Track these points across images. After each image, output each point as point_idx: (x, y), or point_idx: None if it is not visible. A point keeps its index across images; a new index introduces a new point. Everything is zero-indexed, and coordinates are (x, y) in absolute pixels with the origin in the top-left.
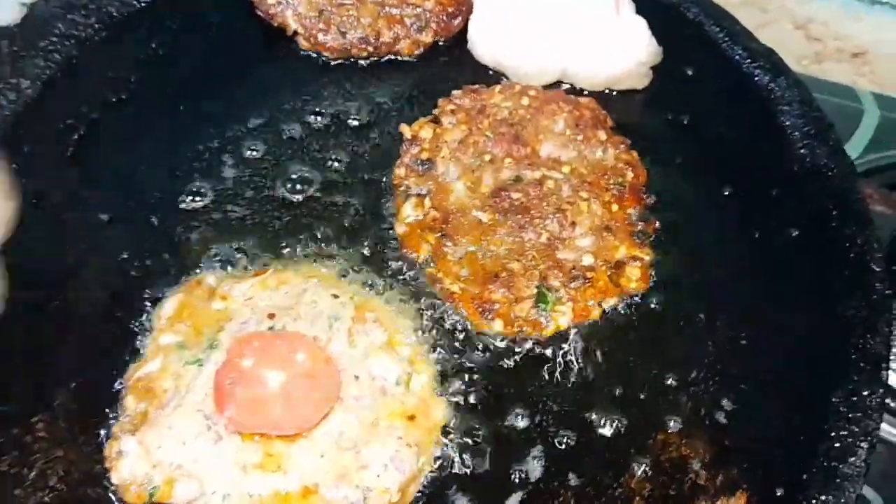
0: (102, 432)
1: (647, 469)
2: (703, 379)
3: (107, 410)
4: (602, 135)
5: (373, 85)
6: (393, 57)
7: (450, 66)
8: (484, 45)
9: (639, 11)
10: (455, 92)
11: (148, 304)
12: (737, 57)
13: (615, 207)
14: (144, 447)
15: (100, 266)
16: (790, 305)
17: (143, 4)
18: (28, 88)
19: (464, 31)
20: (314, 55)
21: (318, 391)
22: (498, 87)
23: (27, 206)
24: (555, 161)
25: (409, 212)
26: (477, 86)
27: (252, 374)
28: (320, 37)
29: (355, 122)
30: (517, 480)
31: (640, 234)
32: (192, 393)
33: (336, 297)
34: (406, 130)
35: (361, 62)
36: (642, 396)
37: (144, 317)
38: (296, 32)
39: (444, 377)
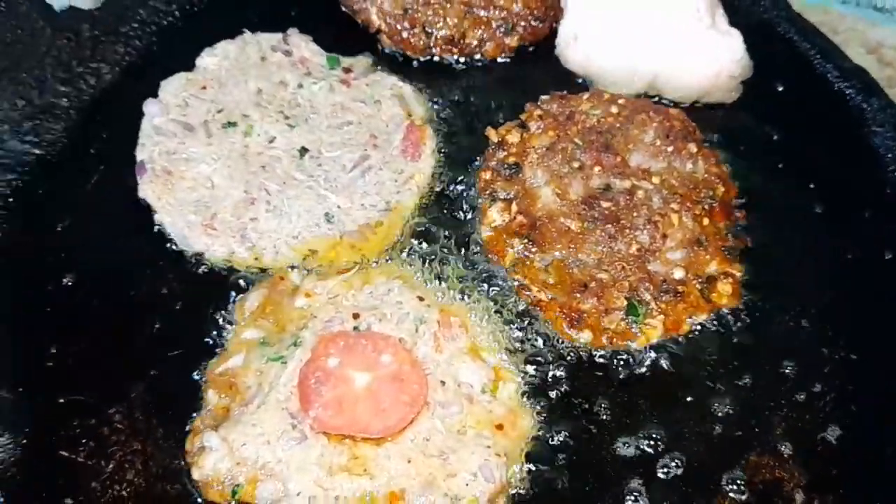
0: (182, 427)
1: (739, 488)
2: (792, 401)
3: (185, 404)
4: (692, 147)
5: (457, 87)
6: (478, 59)
7: (536, 70)
8: (573, 50)
9: (730, 24)
10: (543, 97)
11: (231, 295)
12: (829, 75)
13: (706, 221)
14: (228, 444)
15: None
16: (883, 329)
17: None
18: (107, 74)
19: (551, 35)
20: (397, 53)
21: (404, 394)
22: (586, 95)
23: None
24: (645, 171)
25: (496, 216)
26: (565, 92)
27: (338, 374)
28: (404, 35)
29: (439, 124)
30: (607, 491)
31: (732, 250)
32: (276, 391)
33: (422, 299)
34: (493, 134)
35: (445, 63)
36: (732, 414)
37: (227, 310)
38: (379, 30)
39: (531, 387)
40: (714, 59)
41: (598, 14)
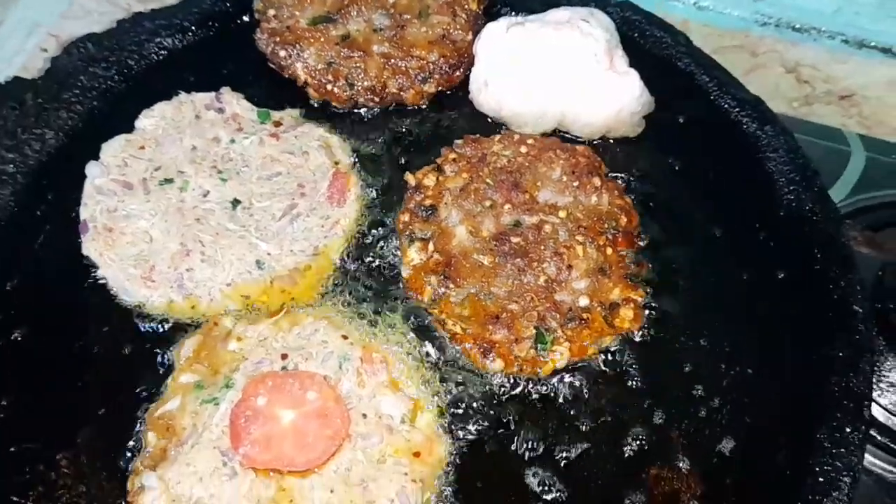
0: (123, 468)
1: (640, 501)
2: (691, 416)
3: (128, 446)
4: (597, 181)
5: (380, 133)
6: (398, 106)
7: (452, 115)
8: (484, 95)
9: (632, 62)
10: (457, 141)
11: (170, 342)
12: (725, 106)
13: (609, 251)
14: (164, 482)
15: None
16: (778, 345)
17: (160, 58)
18: (52, 139)
19: (466, 81)
20: (323, 105)
21: (328, 428)
22: (497, 137)
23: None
24: (552, 206)
25: (414, 255)
26: (478, 135)
27: (265, 412)
28: (329, 87)
29: (363, 170)
30: None
31: (634, 277)
32: (209, 430)
33: (345, 337)
34: (411, 178)
35: (367, 111)
36: (636, 432)
37: (166, 356)
38: (306, 83)
39: (447, 415)
40: (614, 99)
41: (505, 61)
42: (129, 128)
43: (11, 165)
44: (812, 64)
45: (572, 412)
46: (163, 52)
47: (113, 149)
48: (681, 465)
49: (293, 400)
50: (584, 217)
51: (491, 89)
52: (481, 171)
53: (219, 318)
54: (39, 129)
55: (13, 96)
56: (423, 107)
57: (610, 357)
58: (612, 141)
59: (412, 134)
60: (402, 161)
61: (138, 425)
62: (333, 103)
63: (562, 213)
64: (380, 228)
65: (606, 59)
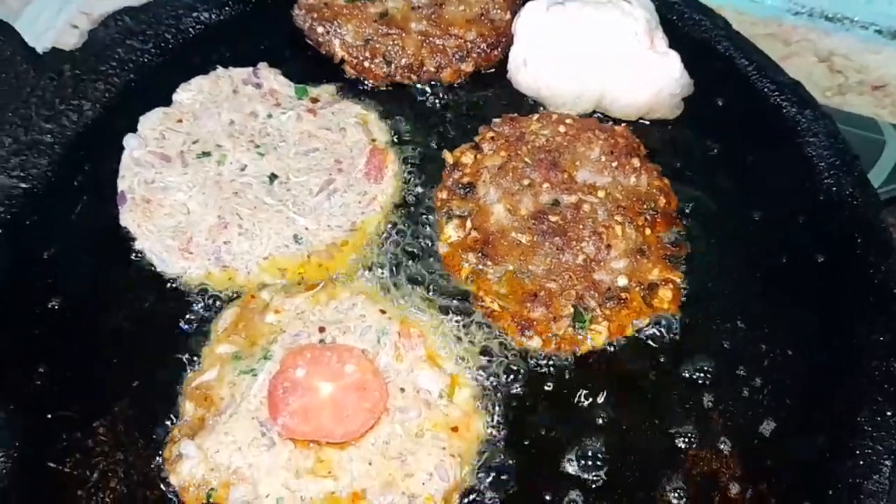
0: (160, 436)
1: (678, 481)
2: (734, 396)
3: (165, 416)
4: (636, 162)
5: (417, 111)
6: (436, 84)
7: (490, 93)
8: (523, 74)
9: (672, 45)
10: (495, 120)
11: (207, 313)
12: (765, 89)
13: (648, 231)
14: (203, 451)
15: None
16: (817, 328)
17: (197, 32)
18: (89, 110)
19: (504, 61)
20: (361, 81)
21: (366, 401)
22: (536, 116)
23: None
24: (590, 186)
25: (451, 232)
26: (516, 114)
27: (304, 384)
28: (366, 64)
29: (400, 147)
30: (552, 491)
31: (672, 258)
32: (247, 401)
33: (383, 312)
34: (448, 156)
35: (405, 89)
36: (675, 413)
37: (203, 327)
38: (343, 60)
39: (485, 391)
40: (654, 80)
41: (545, 40)
42: (166, 101)
43: (49, 136)
44: (845, 54)
45: (610, 392)
46: (199, 26)
47: (151, 121)
48: (721, 446)
49: (332, 372)
50: (622, 197)
51: (530, 68)
52: (519, 149)
53: (256, 290)
54: (77, 100)
55: (51, 67)
56: (461, 85)
57: (648, 337)
58: (649, 123)
59: (449, 112)
60: (440, 139)
61: (176, 395)
62: (370, 80)
63: (600, 193)
64: (417, 205)
65: (647, 40)
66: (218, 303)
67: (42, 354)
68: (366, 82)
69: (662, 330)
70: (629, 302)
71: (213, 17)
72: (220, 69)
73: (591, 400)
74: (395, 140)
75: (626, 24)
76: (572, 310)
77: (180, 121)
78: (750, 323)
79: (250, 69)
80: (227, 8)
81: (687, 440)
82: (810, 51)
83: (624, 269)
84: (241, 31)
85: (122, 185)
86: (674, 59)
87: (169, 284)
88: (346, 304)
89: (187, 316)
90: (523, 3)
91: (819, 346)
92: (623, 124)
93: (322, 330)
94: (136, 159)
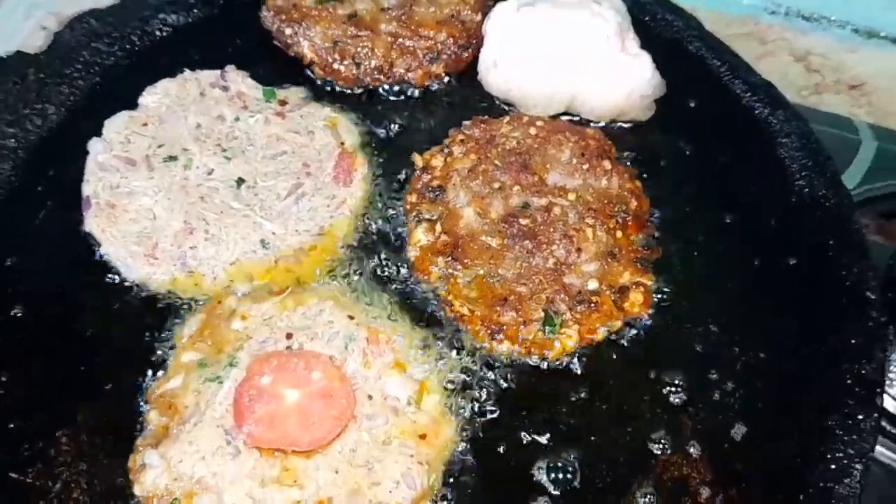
0: (124, 446)
1: (649, 486)
2: (705, 400)
3: (129, 425)
4: (607, 164)
5: (386, 114)
6: (406, 87)
7: (461, 95)
8: (493, 76)
9: (643, 46)
10: (465, 122)
11: (172, 320)
12: (737, 90)
13: (619, 234)
14: (166, 461)
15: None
16: (789, 331)
17: (164, 34)
18: (53, 114)
19: (474, 62)
20: (330, 84)
21: (333, 409)
22: (506, 118)
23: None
24: (561, 189)
25: (421, 236)
26: (486, 116)
27: (270, 391)
28: (335, 66)
29: (370, 151)
30: (523, 498)
31: (643, 261)
32: (212, 409)
33: (351, 318)
34: (418, 159)
35: (375, 91)
36: (645, 417)
37: (168, 334)
38: (312, 62)
39: (453, 397)
40: (625, 81)
41: (515, 42)
42: (132, 104)
43: (12, 140)
44: (822, 53)
45: (580, 396)
46: (167, 28)
47: (116, 125)
48: (691, 450)
49: (298, 379)
50: (593, 200)
51: (500, 70)
52: (490, 152)
53: (222, 296)
54: (41, 104)
55: (14, 71)
56: (431, 87)
57: (619, 341)
58: (621, 125)
59: (419, 114)
60: (410, 142)
61: (140, 404)
62: (339, 83)
63: (571, 196)
64: (386, 209)
65: (618, 41)
66: (183, 309)
67: (4, 362)
68: (335, 85)
69: (633, 334)
70: (600, 305)
71: (181, 19)
72: (187, 72)
73: (561, 405)
74: (364, 143)
75: (596, 25)
76: (542, 314)
77: (146, 124)
78: (722, 326)
79: (218, 72)
80: (194, 10)
81: (657, 445)
82: (786, 50)
83: (595, 273)
84: (208, 34)
85: (86, 189)
86: (645, 60)
87: (134, 291)
88: (313, 309)
89: (152, 323)
90: (494, 5)
91: (791, 349)
92: (594, 126)
93: (289, 336)
94: (100, 164)
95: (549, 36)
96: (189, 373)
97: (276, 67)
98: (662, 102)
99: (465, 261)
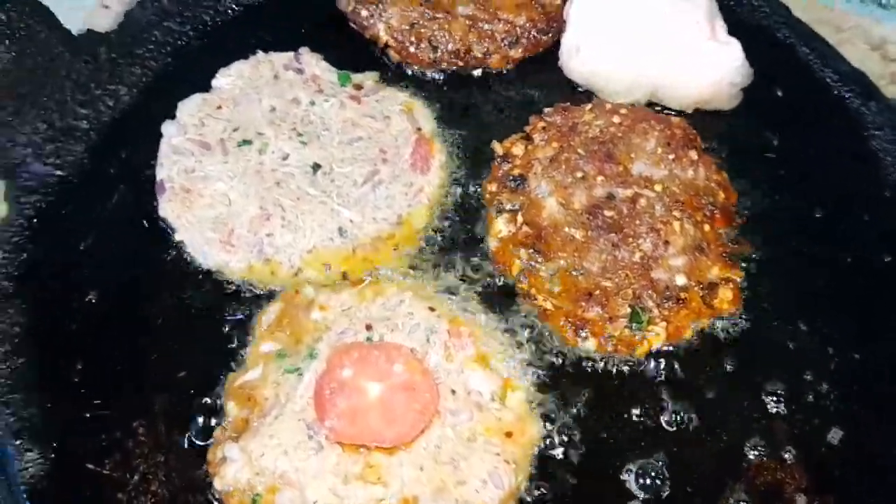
0: (203, 438)
1: (741, 493)
2: (799, 402)
3: (207, 416)
4: (693, 154)
5: (463, 99)
6: (483, 71)
7: (540, 81)
8: (575, 62)
9: (730, 33)
10: (546, 109)
11: (249, 309)
12: (827, 79)
13: (707, 227)
14: (247, 454)
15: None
16: (884, 331)
17: (237, 14)
18: (125, 95)
19: (554, 47)
20: (404, 67)
21: (416, 403)
22: (588, 106)
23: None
24: (646, 180)
25: (502, 227)
26: (568, 103)
27: (352, 385)
28: (411, 49)
29: (447, 137)
30: (612, 500)
31: (732, 255)
32: (293, 402)
33: (432, 309)
34: (498, 147)
35: (452, 76)
36: (737, 419)
37: (245, 324)
38: (387, 45)
39: (538, 394)
40: (714, 69)
41: (599, 26)
42: (204, 86)
43: (85, 121)
44: None
45: (669, 396)
46: (239, 7)
47: (189, 108)
48: (785, 455)
49: (380, 372)
50: (680, 191)
51: (583, 56)
52: (572, 140)
53: (300, 286)
54: (113, 84)
55: (86, 50)
56: (509, 72)
57: (708, 339)
58: (706, 114)
59: (497, 100)
60: (488, 129)
61: (217, 394)
62: (415, 66)
63: (657, 187)
64: (466, 198)
65: (707, 27)
66: (260, 297)
67: (79, 350)
68: (411, 68)
69: (723, 332)
70: (688, 302)
71: None
72: (260, 53)
73: (649, 405)
74: (442, 129)
75: (686, 10)
76: (629, 310)
77: (220, 107)
78: (814, 325)
79: (291, 54)
80: None
81: (750, 449)
82: (862, 39)
83: (682, 267)
84: (281, 14)
85: (160, 173)
86: (735, 47)
87: (210, 278)
88: (392, 300)
89: (229, 311)
90: None
91: (887, 349)
92: (679, 115)
93: (369, 328)
94: (174, 147)
95: (635, 21)
96: (268, 364)
97: (351, 50)
98: (748, 91)
99: (548, 253)
